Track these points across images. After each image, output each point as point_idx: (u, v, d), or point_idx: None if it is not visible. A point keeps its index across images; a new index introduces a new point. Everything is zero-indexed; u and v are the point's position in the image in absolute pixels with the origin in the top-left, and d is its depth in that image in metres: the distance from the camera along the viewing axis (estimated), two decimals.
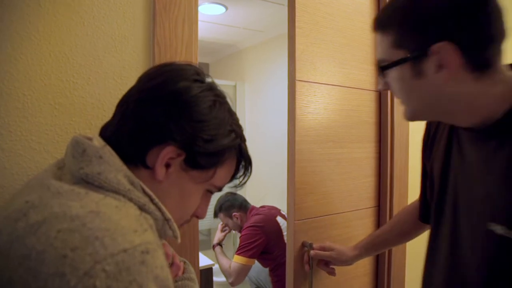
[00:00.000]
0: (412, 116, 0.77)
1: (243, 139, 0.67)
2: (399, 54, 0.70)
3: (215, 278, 2.92)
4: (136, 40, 0.93)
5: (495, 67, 0.68)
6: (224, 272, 2.36)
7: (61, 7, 0.84)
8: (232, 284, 2.32)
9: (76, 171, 0.54)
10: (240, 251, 2.27)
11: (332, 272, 1.20)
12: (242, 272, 2.27)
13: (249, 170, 0.70)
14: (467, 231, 0.77)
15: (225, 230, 2.63)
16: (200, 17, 1.02)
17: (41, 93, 0.82)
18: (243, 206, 2.52)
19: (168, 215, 0.59)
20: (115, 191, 0.53)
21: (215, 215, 2.62)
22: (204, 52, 4.13)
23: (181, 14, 0.97)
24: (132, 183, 0.56)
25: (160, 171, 0.59)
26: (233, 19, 3.07)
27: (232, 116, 0.65)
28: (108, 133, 0.61)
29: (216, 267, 2.51)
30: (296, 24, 1.20)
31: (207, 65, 4.51)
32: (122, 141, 0.58)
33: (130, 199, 0.54)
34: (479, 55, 0.66)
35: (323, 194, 1.27)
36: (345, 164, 1.32)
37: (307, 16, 1.23)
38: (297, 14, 1.20)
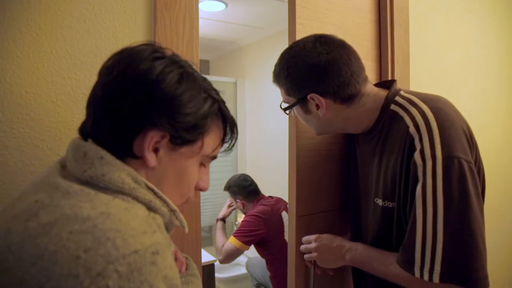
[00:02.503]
0: (317, 133, 1.09)
1: (221, 101, 0.66)
2: (291, 100, 1.00)
3: (217, 275, 2.93)
4: (137, 37, 0.93)
5: (360, 94, 0.96)
6: (217, 248, 2.40)
7: (62, 4, 0.84)
8: (220, 261, 2.38)
9: (80, 175, 0.54)
10: (237, 234, 2.31)
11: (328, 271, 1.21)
12: (233, 254, 2.31)
13: (235, 131, 0.70)
14: (363, 206, 1.09)
15: (232, 206, 2.65)
16: (200, 14, 1.02)
17: (43, 90, 0.83)
18: (250, 196, 2.53)
19: (174, 207, 0.60)
20: (121, 191, 0.54)
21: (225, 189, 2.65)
22: (204, 49, 4.13)
23: (182, 11, 0.97)
24: (136, 181, 0.56)
25: (150, 157, 0.58)
26: (233, 16, 3.07)
27: (203, 82, 0.63)
28: (89, 135, 0.59)
29: (217, 264, 2.53)
30: (297, 20, 1.20)
31: (207, 62, 4.51)
32: (104, 140, 0.57)
33: (136, 198, 0.55)
34: (342, 95, 0.94)
35: (325, 190, 1.27)
36: (347, 159, 1.32)
37: (307, 12, 1.23)
38: (297, 10, 1.20)
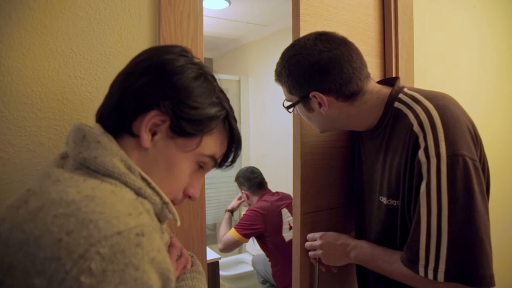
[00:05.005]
0: (320, 131, 1.08)
1: (231, 113, 0.67)
2: (294, 98, 1.00)
3: (221, 272, 2.94)
4: (142, 35, 0.94)
5: (363, 92, 0.95)
6: (219, 237, 2.53)
7: (68, 3, 0.84)
8: (220, 250, 2.50)
9: (76, 156, 0.56)
10: (237, 227, 2.42)
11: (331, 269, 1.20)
12: (232, 245, 2.44)
13: (239, 146, 0.70)
14: (368, 204, 1.08)
15: (241, 199, 2.75)
16: (203, 12, 1.02)
17: (49, 88, 0.83)
18: (254, 188, 2.61)
19: (166, 199, 0.60)
20: (110, 175, 0.54)
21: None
22: (208, 47, 4.13)
23: (186, 8, 0.97)
24: (129, 168, 0.56)
25: (146, 137, 0.59)
26: (236, 13, 3.06)
27: (219, 92, 0.65)
28: (99, 111, 0.63)
29: (222, 261, 2.55)
30: (301, 17, 1.20)
31: (210, 60, 4.50)
32: (108, 112, 0.60)
33: (125, 183, 0.55)
34: (344, 92, 0.93)
35: (330, 187, 1.27)
36: (351, 157, 1.33)
37: (311, 9, 1.23)
38: (301, 7, 1.20)
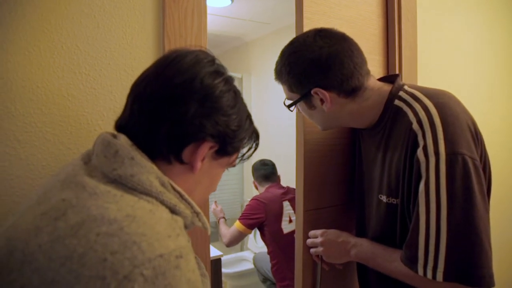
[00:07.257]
0: (322, 129, 1.08)
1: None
2: (295, 96, 0.99)
3: (223, 270, 2.94)
4: (146, 31, 0.94)
5: (364, 87, 0.95)
6: (222, 234, 2.60)
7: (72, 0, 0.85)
8: (226, 245, 2.56)
9: (110, 172, 0.55)
10: (241, 218, 2.49)
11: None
12: (237, 238, 2.51)
13: (258, 144, 0.75)
14: (367, 202, 1.09)
15: (216, 208, 2.84)
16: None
17: (54, 85, 0.83)
18: (260, 179, 2.71)
19: (198, 209, 0.62)
20: (147, 193, 0.55)
21: None
22: (210, 45, 4.09)
23: (190, 5, 0.98)
24: (163, 184, 0.57)
25: (199, 165, 0.61)
26: (238, 11, 3.06)
27: (243, 100, 0.69)
28: (133, 130, 0.60)
29: (224, 259, 2.56)
30: (304, 15, 1.20)
31: None
32: (156, 141, 0.59)
33: (162, 202, 0.56)
34: (345, 87, 0.93)
35: (332, 184, 1.27)
36: (353, 154, 1.33)
37: (314, 6, 1.23)
38: (304, 4, 1.20)
